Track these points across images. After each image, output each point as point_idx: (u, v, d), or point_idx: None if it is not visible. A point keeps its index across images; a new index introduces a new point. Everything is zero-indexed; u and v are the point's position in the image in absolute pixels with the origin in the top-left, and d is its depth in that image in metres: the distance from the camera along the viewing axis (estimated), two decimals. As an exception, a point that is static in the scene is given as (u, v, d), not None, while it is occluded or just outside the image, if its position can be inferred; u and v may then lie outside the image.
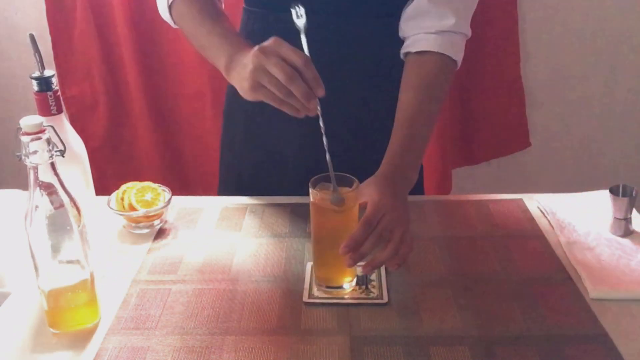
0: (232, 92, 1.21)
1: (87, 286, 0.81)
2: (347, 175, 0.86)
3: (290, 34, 0.98)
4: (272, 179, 1.18)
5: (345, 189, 0.85)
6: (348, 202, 0.85)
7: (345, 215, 0.86)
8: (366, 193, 0.89)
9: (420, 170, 1.24)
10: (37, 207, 0.75)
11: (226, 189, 1.25)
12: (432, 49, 1.02)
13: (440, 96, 1.03)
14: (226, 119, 1.25)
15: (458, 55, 1.05)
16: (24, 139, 0.73)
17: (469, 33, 1.06)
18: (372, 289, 0.89)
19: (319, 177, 0.86)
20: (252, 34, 1.10)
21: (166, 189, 1.06)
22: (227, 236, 1.03)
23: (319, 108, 0.83)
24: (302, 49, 0.84)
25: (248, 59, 0.84)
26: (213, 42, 0.96)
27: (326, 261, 0.89)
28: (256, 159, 1.19)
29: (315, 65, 0.81)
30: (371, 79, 1.11)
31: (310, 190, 0.85)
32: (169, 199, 1.04)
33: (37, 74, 0.90)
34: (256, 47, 0.83)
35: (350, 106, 1.11)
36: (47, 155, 0.74)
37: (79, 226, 0.78)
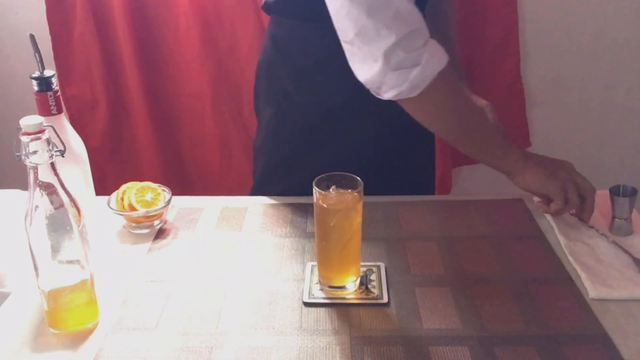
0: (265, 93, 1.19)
1: (87, 286, 0.81)
2: (352, 175, 0.86)
3: (322, 40, 0.99)
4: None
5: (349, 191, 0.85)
6: (352, 202, 0.85)
7: (350, 215, 0.86)
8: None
9: (430, 169, 1.25)
10: (37, 207, 0.75)
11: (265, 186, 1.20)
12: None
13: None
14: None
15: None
16: (24, 139, 0.73)
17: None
18: (372, 289, 0.89)
19: (323, 176, 0.86)
20: (281, 39, 1.11)
21: (166, 189, 1.06)
22: (227, 236, 1.03)
23: None
24: None
25: (566, 168, 1.05)
26: (494, 137, 1.11)
27: (330, 261, 0.89)
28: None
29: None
30: None
31: (315, 189, 0.85)
32: (169, 199, 1.04)
33: (37, 74, 0.90)
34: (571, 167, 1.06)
35: (382, 114, 1.07)
36: (47, 155, 0.74)
37: (79, 226, 0.78)
